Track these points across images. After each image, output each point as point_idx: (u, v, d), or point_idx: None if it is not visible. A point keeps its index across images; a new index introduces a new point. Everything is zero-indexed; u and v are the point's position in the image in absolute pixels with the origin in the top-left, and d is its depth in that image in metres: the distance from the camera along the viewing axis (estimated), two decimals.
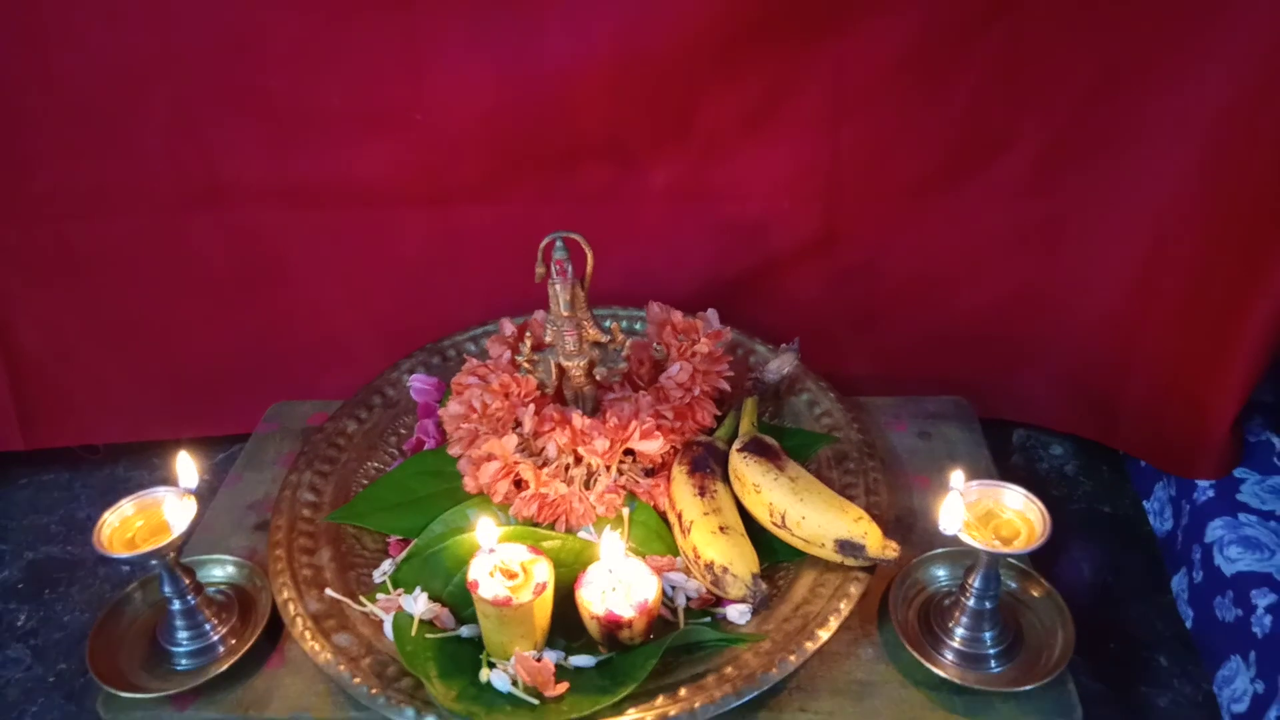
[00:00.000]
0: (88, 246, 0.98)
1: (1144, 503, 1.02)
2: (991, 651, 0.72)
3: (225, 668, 0.72)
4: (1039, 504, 0.70)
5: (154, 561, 0.71)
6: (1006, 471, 1.04)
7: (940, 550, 0.78)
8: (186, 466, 0.73)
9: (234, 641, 0.75)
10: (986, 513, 0.71)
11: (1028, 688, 0.69)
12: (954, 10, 0.85)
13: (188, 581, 0.74)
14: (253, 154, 0.94)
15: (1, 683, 0.90)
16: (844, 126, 0.93)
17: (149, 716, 0.72)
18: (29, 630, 0.95)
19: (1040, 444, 1.11)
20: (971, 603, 0.72)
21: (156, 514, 0.72)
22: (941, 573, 0.78)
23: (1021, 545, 0.69)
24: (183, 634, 0.74)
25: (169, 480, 0.74)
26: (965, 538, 0.68)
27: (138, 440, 1.13)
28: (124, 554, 0.70)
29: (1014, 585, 0.77)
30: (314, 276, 1.02)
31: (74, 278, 1.00)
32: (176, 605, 0.73)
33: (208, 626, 0.75)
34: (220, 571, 0.81)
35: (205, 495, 0.89)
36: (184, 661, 0.74)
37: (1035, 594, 0.77)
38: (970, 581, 0.71)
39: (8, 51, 0.88)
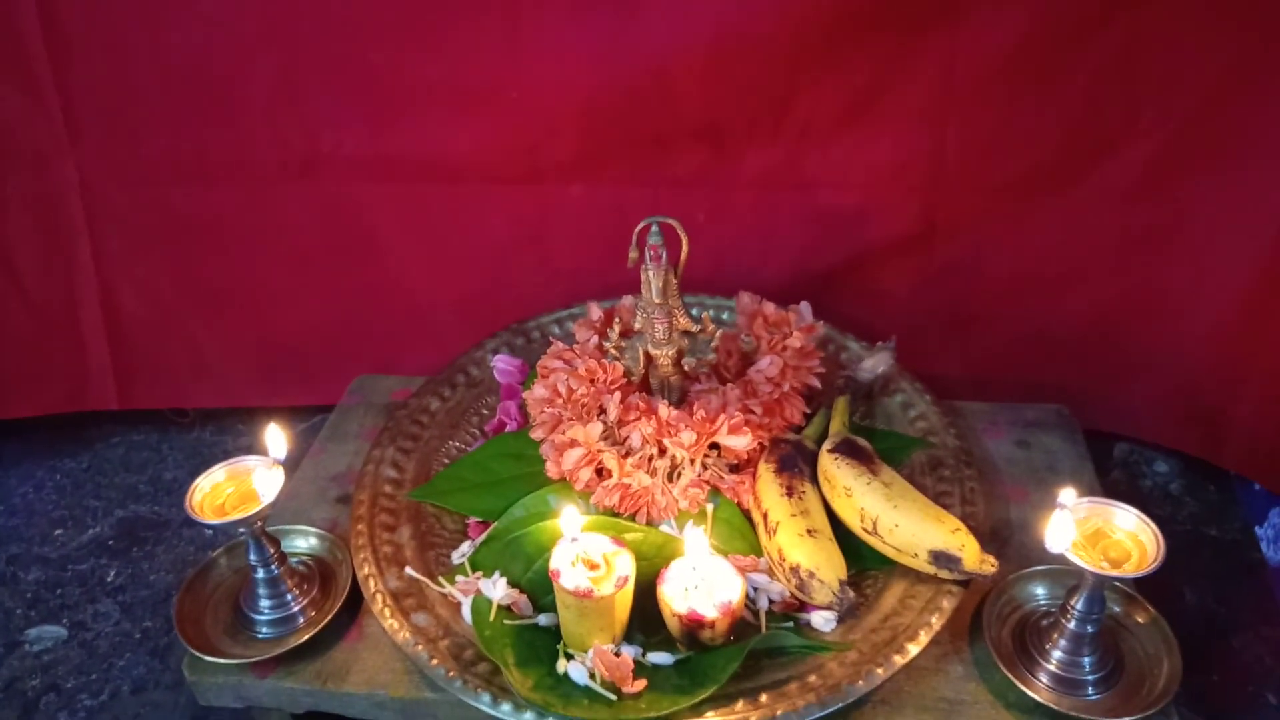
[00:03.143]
0: (188, 213, 1.00)
1: (1256, 529, 0.96)
2: (1090, 678, 0.68)
3: (305, 639, 0.73)
4: (1153, 526, 0.66)
5: (241, 529, 0.72)
6: (1107, 487, 0.99)
7: (1040, 567, 0.75)
8: (276, 437, 0.74)
9: (314, 613, 0.75)
10: (1095, 532, 0.67)
11: (1128, 719, 0.66)
12: (1072, 2, 0.81)
13: (273, 551, 0.74)
14: (351, 127, 0.95)
15: (92, 635, 0.93)
16: (951, 119, 0.90)
17: (230, 681, 0.73)
18: (118, 586, 0.98)
19: (1143, 460, 1.06)
20: (1072, 625, 0.68)
21: (246, 482, 0.73)
22: (1040, 591, 0.74)
23: (1133, 569, 0.65)
24: (265, 602, 0.75)
25: (252, 446, 0.75)
26: (1072, 557, 0.64)
27: (226, 406, 1.15)
28: (214, 520, 0.71)
29: (1117, 609, 0.73)
30: (403, 251, 1.03)
31: (174, 243, 1.02)
32: (261, 574, 0.74)
33: (289, 597, 0.75)
34: (303, 542, 0.82)
35: (288, 465, 0.90)
36: (265, 630, 0.75)
37: (1140, 620, 0.72)
38: (1073, 603, 0.68)
39: (120, 20, 0.90)
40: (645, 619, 0.70)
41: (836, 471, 0.76)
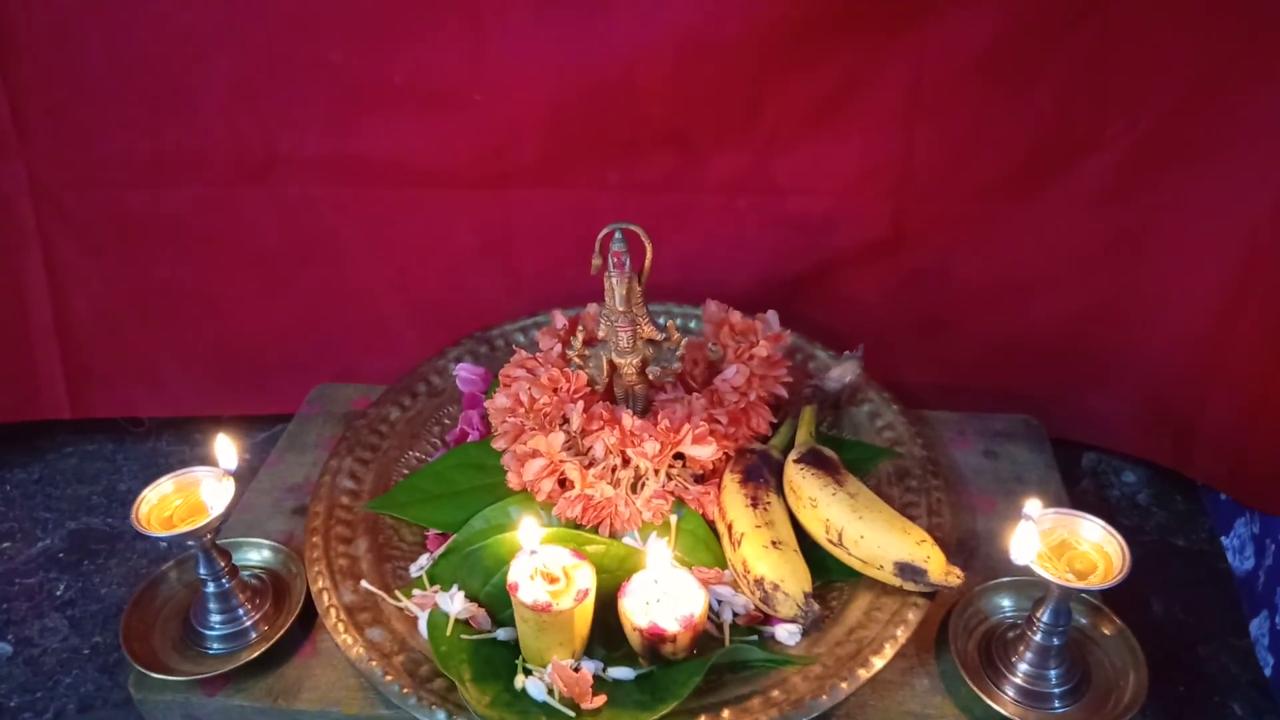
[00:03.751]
0: (142, 216, 0.97)
1: (1222, 539, 0.96)
2: (1056, 690, 0.68)
3: (256, 655, 0.71)
4: (1119, 538, 0.66)
5: (191, 542, 0.70)
6: (1075, 497, 0.99)
7: (1006, 579, 0.74)
8: (226, 448, 0.72)
9: (266, 628, 0.73)
10: (1061, 543, 0.67)
11: None
12: (1042, 4, 0.81)
13: (223, 564, 0.72)
14: (310, 129, 0.92)
15: (39, 651, 0.90)
16: (919, 123, 0.89)
17: (179, 699, 0.70)
18: (67, 600, 0.95)
19: (1111, 469, 1.06)
20: (1038, 637, 0.67)
21: (194, 494, 0.71)
22: (1006, 603, 0.74)
23: (1098, 581, 0.64)
24: (216, 617, 0.73)
25: (210, 457, 0.72)
26: (1038, 569, 0.63)
27: (182, 415, 1.12)
28: (161, 533, 0.69)
29: (1084, 621, 0.72)
30: (363, 257, 1.01)
31: (127, 247, 0.99)
32: (211, 588, 0.72)
33: (241, 611, 0.73)
34: (256, 555, 0.79)
35: (245, 475, 0.87)
36: (216, 645, 0.72)
37: (1106, 632, 0.72)
38: (1038, 615, 0.67)
39: (71, 16, 0.88)
40: (607, 633, 0.69)
41: (802, 482, 0.75)
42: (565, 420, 0.76)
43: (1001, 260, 0.96)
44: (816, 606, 0.69)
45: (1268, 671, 0.83)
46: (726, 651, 0.68)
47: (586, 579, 0.66)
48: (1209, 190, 0.86)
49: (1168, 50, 0.81)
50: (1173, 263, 0.91)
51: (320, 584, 0.73)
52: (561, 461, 0.74)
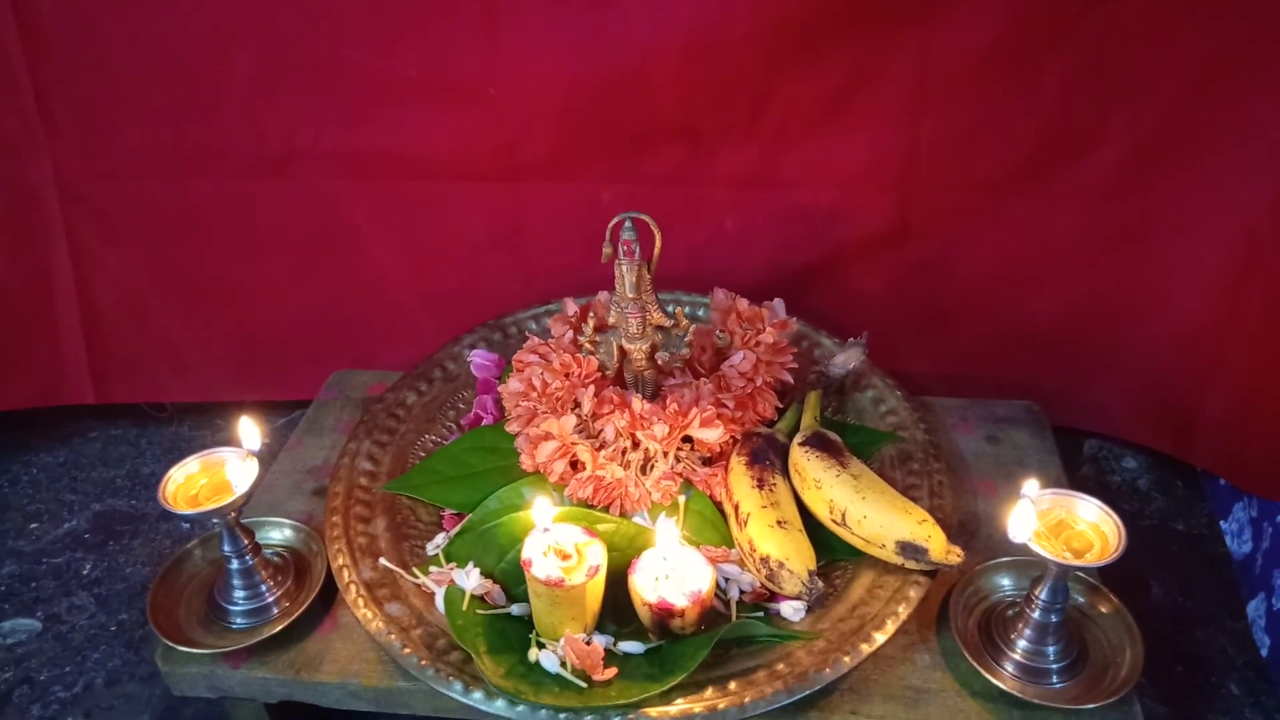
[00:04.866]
0: (164, 207, 1.00)
1: (1221, 523, 0.98)
2: (1054, 666, 0.69)
3: (279, 629, 0.73)
4: (1115, 517, 0.67)
5: (215, 520, 0.72)
6: (1076, 483, 1.00)
7: (1005, 559, 0.76)
8: (249, 429, 0.74)
9: (288, 604, 0.76)
10: (1058, 523, 0.68)
11: (1091, 706, 0.67)
12: (1046, 1, 0.82)
13: (247, 542, 0.74)
14: (328, 122, 0.95)
15: (67, 628, 0.92)
16: (925, 117, 0.90)
17: (204, 671, 0.73)
18: (94, 579, 0.97)
19: (1113, 456, 1.08)
20: (1036, 615, 0.69)
21: (219, 473, 0.73)
22: (1006, 581, 0.75)
23: (1094, 559, 0.66)
24: (239, 593, 0.75)
25: (231, 441, 0.75)
26: (1035, 547, 0.65)
27: (203, 401, 1.15)
28: (187, 510, 0.71)
29: (1081, 600, 0.74)
30: (380, 248, 1.03)
31: (149, 237, 1.02)
32: (235, 564, 0.74)
33: (264, 587, 0.76)
34: (278, 534, 0.82)
35: (265, 458, 0.89)
36: (239, 620, 0.75)
37: (1104, 610, 0.74)
38: (1037, 593, 0.69)
39: (96, 11, 0.90)
40: (617, 610, 0.71)
41: (807, 464, 0.77)
42: (577, 404, 0.79)
43: (1005, 253, 0.97)
44: (820, 584, 0.71)
45: (1264, 652, 0.84)
46: (733, 626, 0.70)
47: (598, 556, 0.68)
48: (1210, 184, 0.88)
49: (1170, 47, 0.82)
50: (1174, 255, 0.92)
51: (340, 561, 0.76)
52: (573, 444, 0.77)
